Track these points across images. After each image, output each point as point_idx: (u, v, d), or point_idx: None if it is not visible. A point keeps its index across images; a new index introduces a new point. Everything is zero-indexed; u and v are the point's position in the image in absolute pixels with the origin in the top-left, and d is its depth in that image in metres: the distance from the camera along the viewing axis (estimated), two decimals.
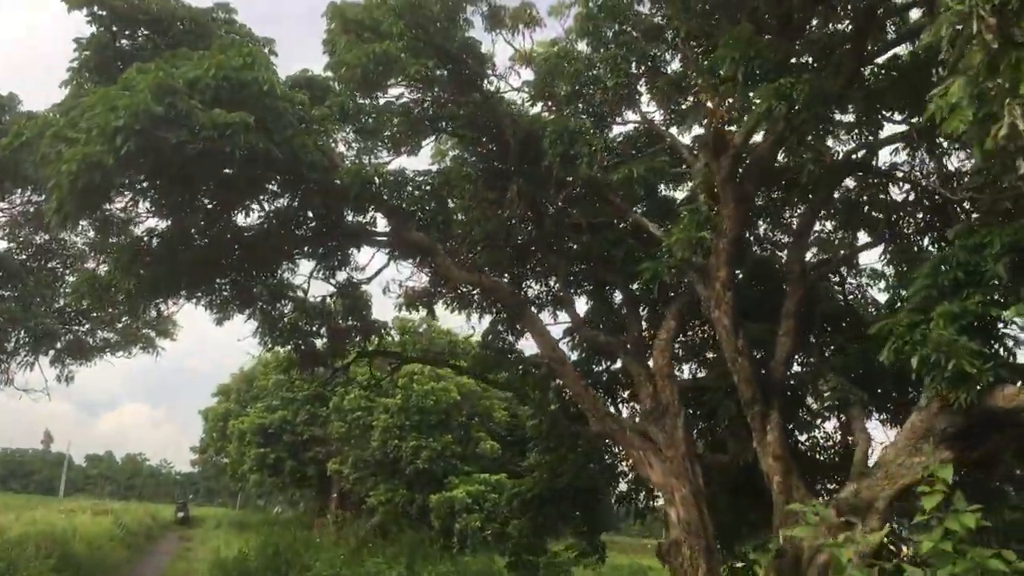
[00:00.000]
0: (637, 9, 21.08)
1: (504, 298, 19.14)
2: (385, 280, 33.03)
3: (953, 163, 17.82)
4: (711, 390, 19.23)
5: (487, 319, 24.07)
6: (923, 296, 13.19)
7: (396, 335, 35.71)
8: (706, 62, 16.85)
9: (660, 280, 17.68)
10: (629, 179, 17.93)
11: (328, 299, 22.52)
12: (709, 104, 17.73)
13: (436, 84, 18.46)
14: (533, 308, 21.50)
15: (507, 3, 19.64)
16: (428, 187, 18.49)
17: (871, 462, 15.13)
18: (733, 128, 16.12)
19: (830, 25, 16.31)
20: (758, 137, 16.35)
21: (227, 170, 14.87)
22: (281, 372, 28.37)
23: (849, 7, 15.59)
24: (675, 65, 21.29)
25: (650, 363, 20.41)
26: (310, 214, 18.31)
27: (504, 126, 19.53)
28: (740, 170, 16.14)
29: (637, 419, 19.08)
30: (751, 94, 14.33)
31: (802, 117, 13.83)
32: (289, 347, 22.78)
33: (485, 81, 19.48)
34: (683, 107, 21.93)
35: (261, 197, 17.32)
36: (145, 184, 15.53)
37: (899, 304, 19.70)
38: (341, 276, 21.58)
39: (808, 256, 19.12)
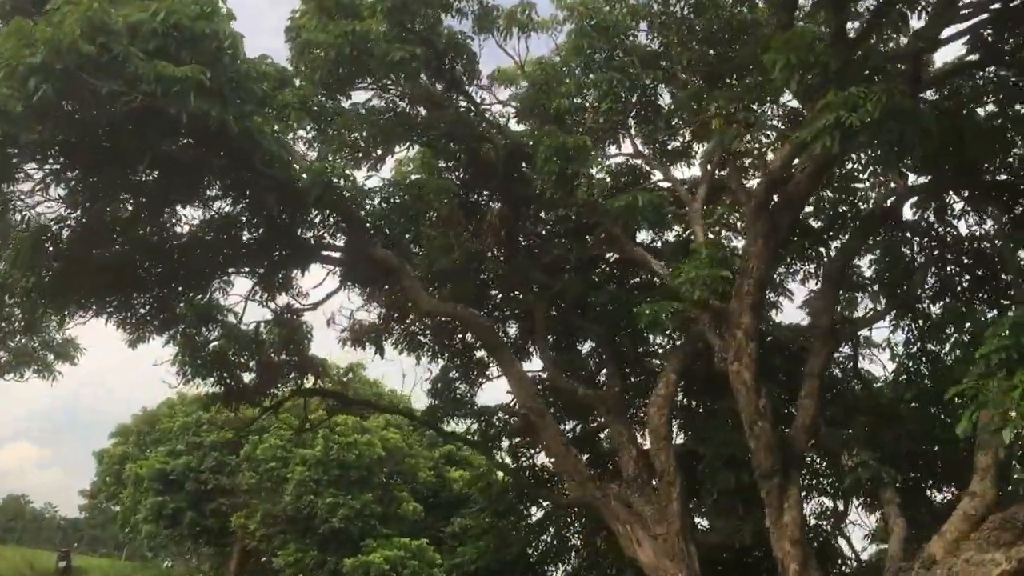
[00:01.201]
0: (633, 33, 19.17)
1: (482, 334, 16.41)
2: (330, 310, 29.60)
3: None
4: (706, 458, 16.75)
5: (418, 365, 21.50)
6: (1001, 358, 11.05)
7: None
8: (731, 81, 14.81)
9: (660, 327, 15.33)
10: (633, 208, 15.59)
11: (263, 327, 19.48)
12: (714, 125, 15.72)
13: (416, 80, 15.82)
14: None
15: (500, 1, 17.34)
16: (398, 199, 15.77)
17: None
18: (763, 152, 13.96)
19: (888, 43, 14.36)
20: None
21: (167, 145, 11.97)
22: (201, 408, 24.81)
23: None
24: (667, 98, 19.38)
25: (631, 422, 18.02)
26: (256, 220, 15.36)
27: (489, 138, 17.06)
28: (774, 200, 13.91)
29: (618, 487, 16.39)
30: (807, 106, 12.16)
31: (864, 138, 11.67)
32: (211, 379, 19.52)
33: (472, 86, 17.03)
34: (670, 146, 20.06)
35: (205, 191, 14.36)
36: (61, 158, 12.48)
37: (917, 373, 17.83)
38: (281, 300, 18.60)
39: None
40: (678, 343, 16.51)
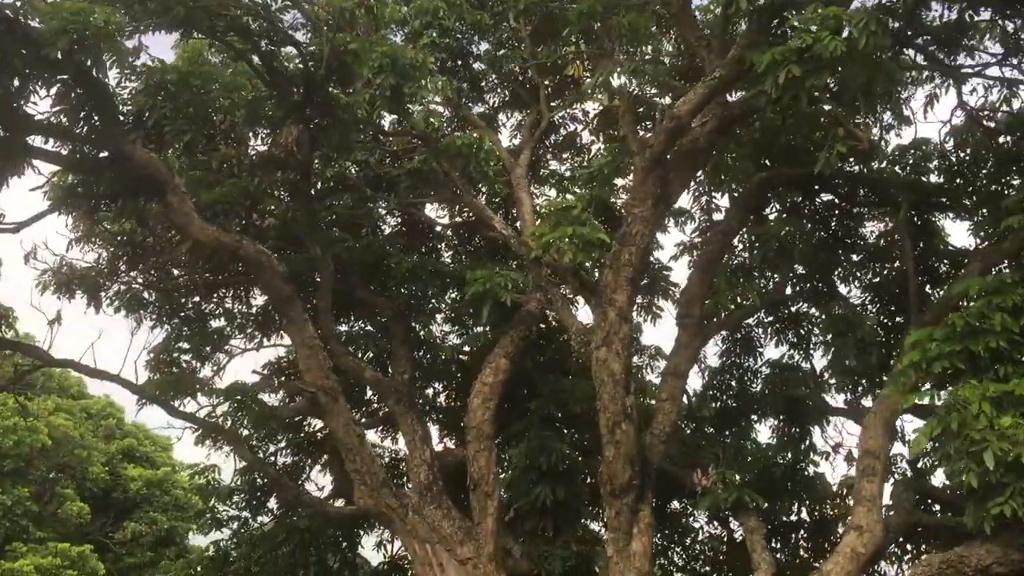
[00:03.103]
0: None
1: (270, 282, 12.30)
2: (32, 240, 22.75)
3: None
4: (515, 466, 13.83)
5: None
6: (944, 367, 9.39)
7: None
8: None
9: (493, 299, 12.36)
10: (478, 149, 12.58)
11: None
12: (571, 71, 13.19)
13: None
14: None
15: None
16: (174, 87, 11.46)
17: None
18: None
19: None
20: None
21: None
22: None
23: None
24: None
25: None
26: None
27: (294, 40, 13.22)
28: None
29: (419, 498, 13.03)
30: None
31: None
32: None
33: None
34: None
35: None
36: None
37: None
38: None
39: None
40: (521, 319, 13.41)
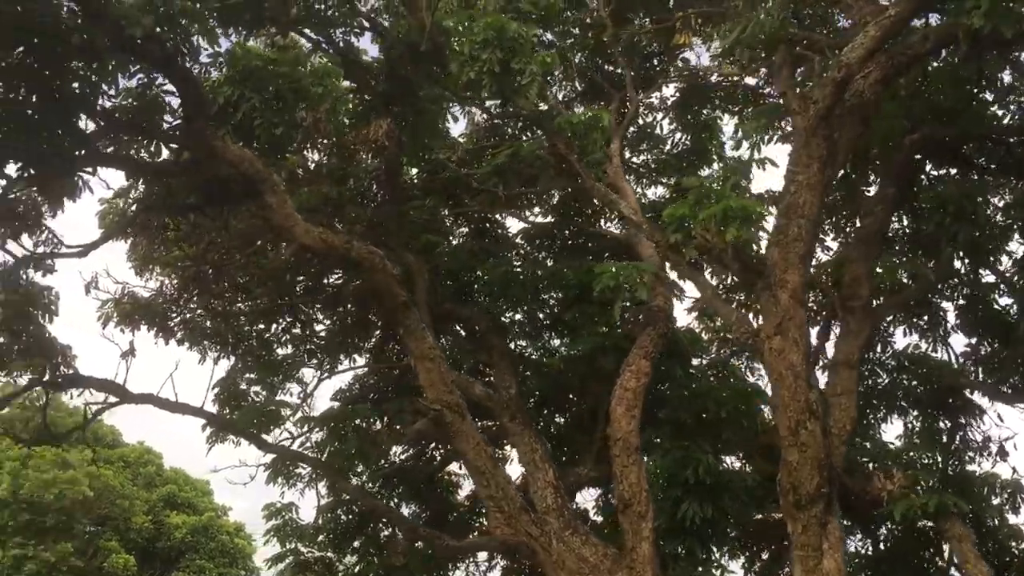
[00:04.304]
0: None
1: (386, 288, 10.71)
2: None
3: None
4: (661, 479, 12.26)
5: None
6: None
7: None
8: None
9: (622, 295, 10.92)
10: (597, 126, 11.18)
11: None
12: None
13: None
14: None
15: None
16: (265, 74, 10.05)
17: None
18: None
19: None
20: None
21: None
22: None
23: None
24: None
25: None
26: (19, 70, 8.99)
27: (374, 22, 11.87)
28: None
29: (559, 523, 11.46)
30: None
31: None
32: None
33: None
34: None
35: None
36: None
37: None
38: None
39: None
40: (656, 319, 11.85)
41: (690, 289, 14.35)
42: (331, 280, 15.51)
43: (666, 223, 10.53)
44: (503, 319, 14.77)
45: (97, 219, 14.43)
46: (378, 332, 16.29)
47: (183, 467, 40.54)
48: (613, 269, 11.00)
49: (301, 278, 15.32)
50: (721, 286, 14.74)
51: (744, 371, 16.06)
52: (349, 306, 15.90)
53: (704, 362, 15.38)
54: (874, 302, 11.58)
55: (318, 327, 16.70)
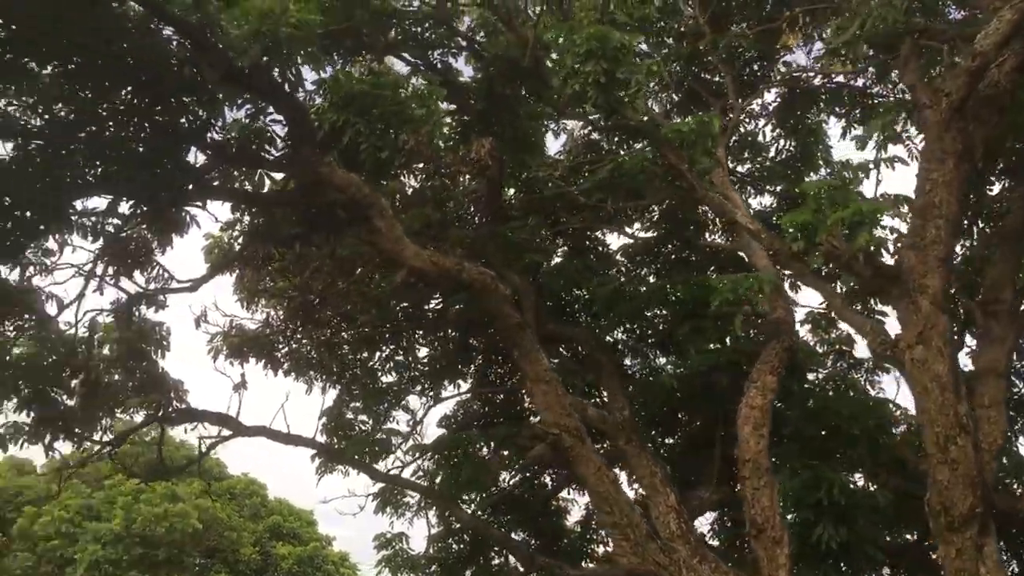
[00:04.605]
0: None
1: (499, 310, 10.43)
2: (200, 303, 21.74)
3: None
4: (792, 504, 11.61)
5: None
6: None
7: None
8: None
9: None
10: (707, 133, 10.70)
11: (99, 319, 12.88)
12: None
13: None
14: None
15: None
16: (370, 98, 9.91)
17: None
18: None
19: None
20: None
21: None
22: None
23: None
24: None
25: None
26: (128, 102, 9.03)
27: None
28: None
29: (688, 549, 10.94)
30: None
31: None
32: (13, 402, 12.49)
33: None
34: None
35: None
36: None
37: None
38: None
39: None
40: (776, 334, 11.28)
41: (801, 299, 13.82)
42: (431, 305, 15.43)
43: (786, 231, 10.05)
44: (607, 338, 14.36)
45: (203, 254, 14.71)
46: (480, 357, 16.15)
47: (287, 498, 40.99)
48: (730, 281, 10.53)
49: (403, 304, 15.24)
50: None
51: (864, 384, 15.41)
52: (450, 331, 15.80)
53: (820, 376, 14.78)
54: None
55: (420, 353, 16.67)
